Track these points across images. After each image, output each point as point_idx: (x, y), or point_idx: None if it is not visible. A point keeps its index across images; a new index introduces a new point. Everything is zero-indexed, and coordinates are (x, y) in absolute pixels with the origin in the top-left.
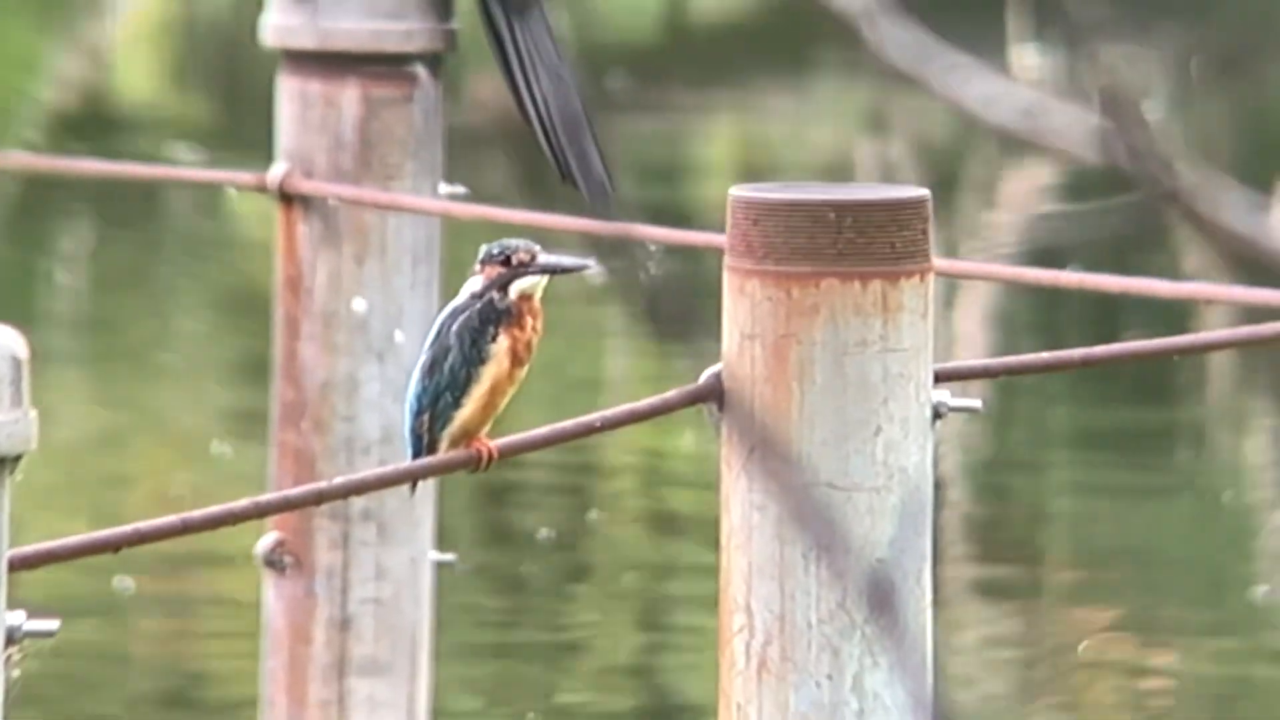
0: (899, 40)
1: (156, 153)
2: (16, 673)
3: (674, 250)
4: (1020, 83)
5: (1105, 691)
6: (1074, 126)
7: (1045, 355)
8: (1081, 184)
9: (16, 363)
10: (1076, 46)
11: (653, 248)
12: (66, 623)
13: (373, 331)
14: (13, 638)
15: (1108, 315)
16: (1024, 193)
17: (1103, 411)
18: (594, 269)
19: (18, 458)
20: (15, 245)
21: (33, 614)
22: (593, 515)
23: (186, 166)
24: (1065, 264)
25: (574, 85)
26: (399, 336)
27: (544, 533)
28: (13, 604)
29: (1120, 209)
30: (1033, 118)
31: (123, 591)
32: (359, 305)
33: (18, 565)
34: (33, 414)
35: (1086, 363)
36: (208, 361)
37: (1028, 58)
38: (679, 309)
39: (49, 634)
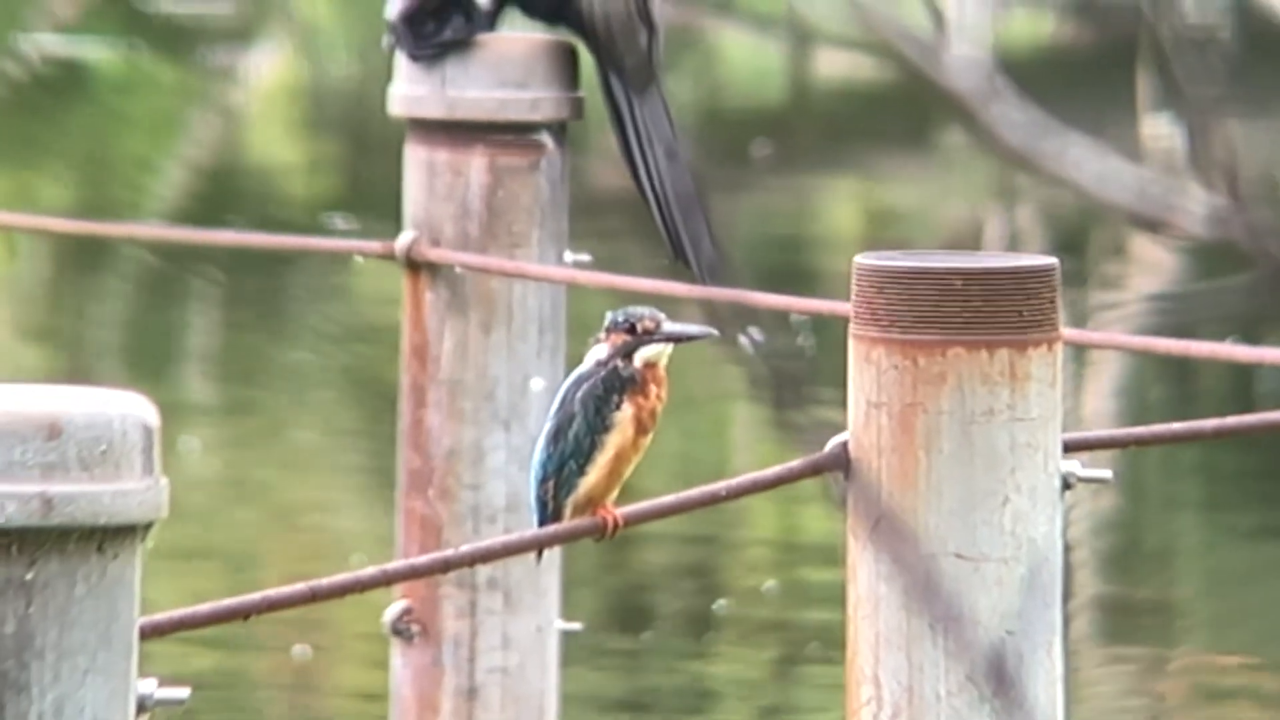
0: (1014, 119)
1: (288, 220)
2: None
3: (777, 320)
4: (1150, 155)
5: None
6: (1191, 204)
7: (1177, 425)
8: (1212, 254)
9: (148, 431)
10: (1194, 122)
11: (793, 319)
12: (196, 689)
13: (499, 400)
14: (144, 706)
15: (1240, 388)
16: (1153, 263)
17: (1236, 485)
18: (717, 336)
19: (149, 525)
20: (149, 313)
21: (163, 683)
22: (717, 584)
23: (338, 236)
24: (1196, 336)
25: (687, 163)
26: (535, 384)
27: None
28: (144, 672)
29: (1251, 282)
30: (1147, 198)
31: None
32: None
33: (149, 633)
34: (164, 482)
35: (1219, 434)
36: (336, 427)
37: (1159, 127)
38: (798, 380)
39: (180, 702)
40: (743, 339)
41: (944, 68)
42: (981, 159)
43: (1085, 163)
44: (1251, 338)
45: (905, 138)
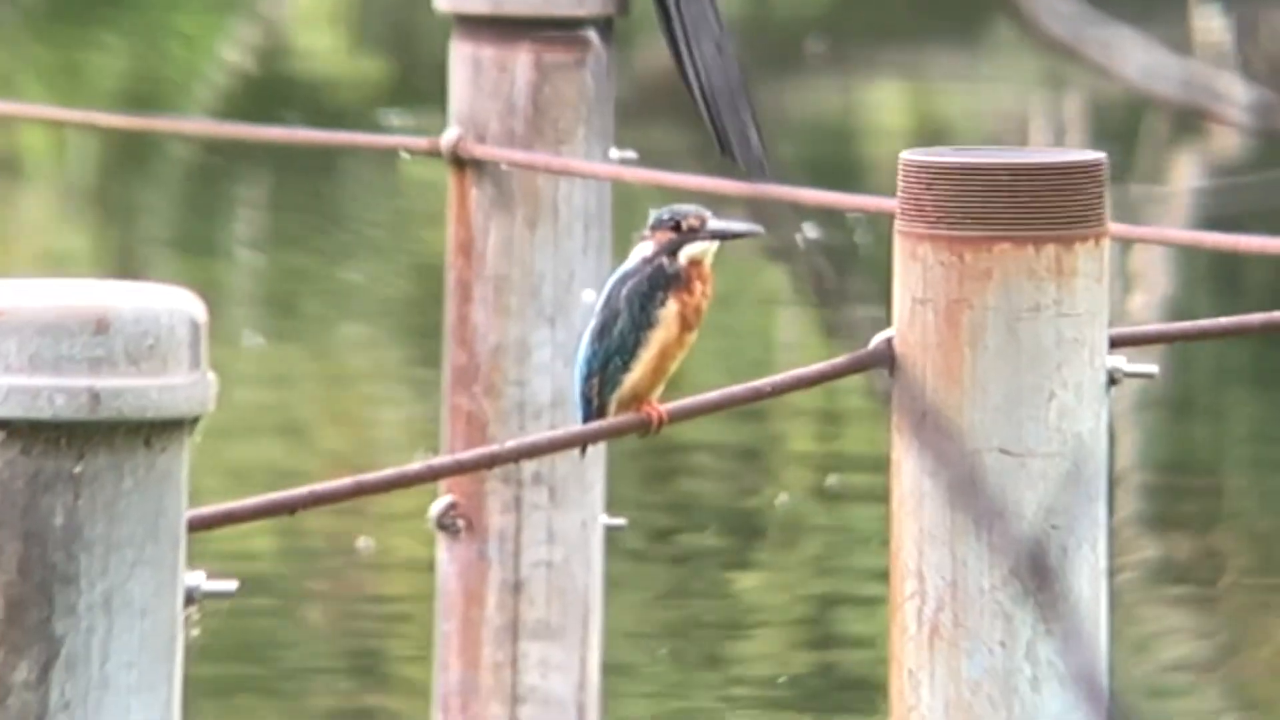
0: (1059, 11)
1: (337, 117)
2: (195, 632)
3: (832, 217)
4: (1199, 48)
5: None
6: (1235, 95)
7: (1224, 320)
8: (1265, 149)
9: (195, 326)
10: (1243, 13)
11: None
12: (243, 582)
13: (544, 296)
14: (192, 597)
15: None
16: (1204, 158)
17: None
18: (763, 234)
19: (196, 420)
20: (194, 211)
21: (212, 575)
22: (763, 479)
23: (390, 132)
24: (1245, 229)
25: (734, 58)
26: (587, 295)
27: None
28: (192, 564)
29: None
30: (1193, 89)
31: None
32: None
33: (197, 526)
34: (211, 376)
35: (1267, 328)
36: (381, 325)
37: (1210, 19)
38: (839, 274)
39: (228, 594)
40: (798, 235)
41: None
42: (1028, 55)
43: (1131, 54)
44: None
45: (952, 33)
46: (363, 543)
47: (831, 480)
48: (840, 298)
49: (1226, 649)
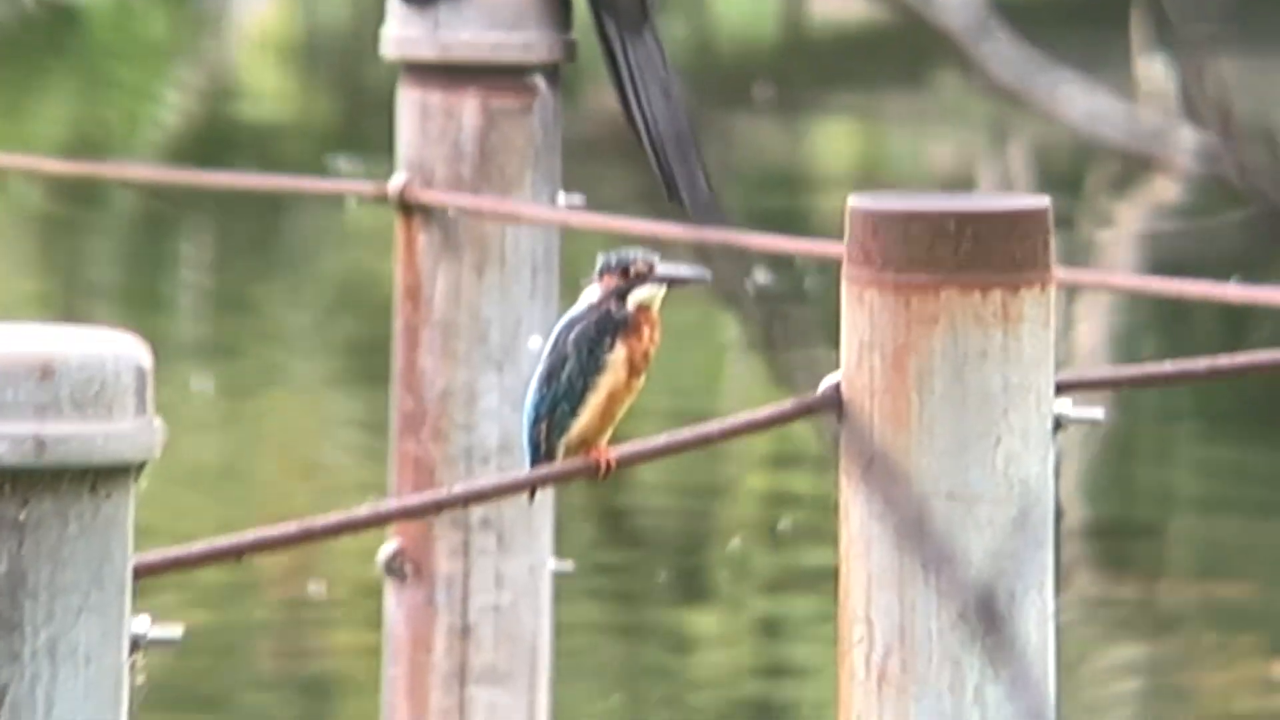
0: (1005, 57)
1: (285, 164)
2: (141, 679)
3: (782, 262)
4: (1143, 95)
5: (1230, 712)
6: (1183, 143)
7: (1170, 366)
8: (1208, 194)
9: (141, 371)
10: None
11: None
12: (189, 625)
13: (492, 342)
14: (138, 644)
15: (1233, 329)
16: (1148, 203)
17: (1228, 422)
18: (711, 279)
19: (142, 465)
20: (140, 257)
21: (156, 621)
22: (710, 524)
23: (346, 178)
24: (1189, 274)
25: (682, 103)
26: (534, 342)
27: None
28: (139, 609)
29: (1246, 222)
30: (1139, 135)
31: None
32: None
33: (143, 572)
34: (157, 422)
35: (1213, 374)
36: (327, 370)
37: (1153, 69)
38: (786, 321)
39: (173, 641)
40: (747, 281)
41: (937, 6)
42: (975, 101)
43: (1077, 100)
44: (1248, 278)
45: (899, 79)
46: (314, 587)
47: (782, 524)
48: (788, 343)
49: (1172, 691)
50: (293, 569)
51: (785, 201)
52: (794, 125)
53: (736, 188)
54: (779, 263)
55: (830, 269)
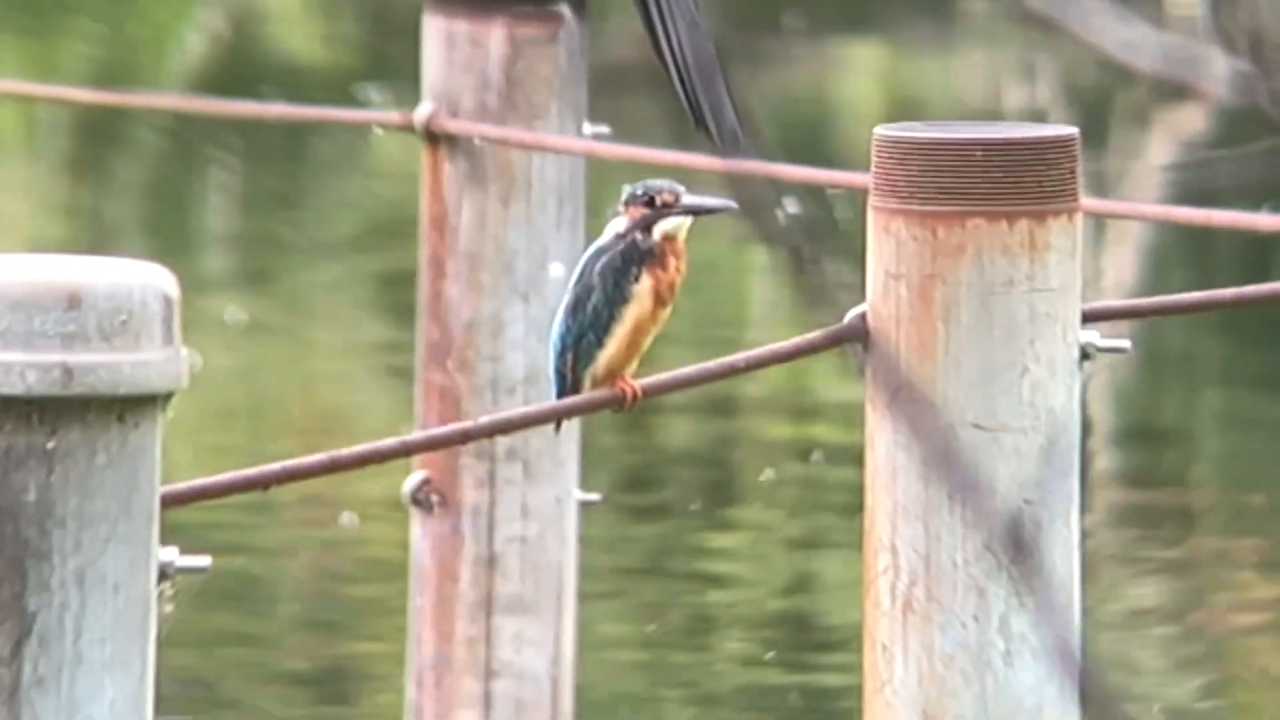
0: None
1: (314, 93)
2: (169, 608)
3: (807, 192)
4: (1173, 23)
5: (1257, 634)
6: (1216, 70)
7: (1195, 295)
8: (1236, 123)
9: (168, 301)
10: None
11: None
12: (218, 556)
13: (518, 272)
14: (165, 573)
15: (1259, 256)
16: (1176, 132)
17: (1254, 353)
18: (737, 209)
19: (169, 395)
20: (166, 186)
21: (185, 550)
22: (737, 454)
23: (375, 108)
24: (1217, 204)
25: (709, 31)
26: (555, 270)
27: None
28: (166, 539)
29: (1274, 150)
30: (1173, 62)
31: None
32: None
33: (170, 502)
34: (184, 352)
35: (1238, 302)
36: (356, 299)
37: None
38: (816, 250)
39: (201, 570)
40: (778, 211)
41: None
42: (1003, 29)
43: (1109, 28)
44: (1275, 206)
45: (927, 7)
46: (346, 518)
47: (812, 453)
48: (815, 272)
49: (1197, 619)
50: (321, 499)
51: (814, 130)
52: (822, 53)
53: (764, 117)
54: (809, 193)
55: (861, 199)
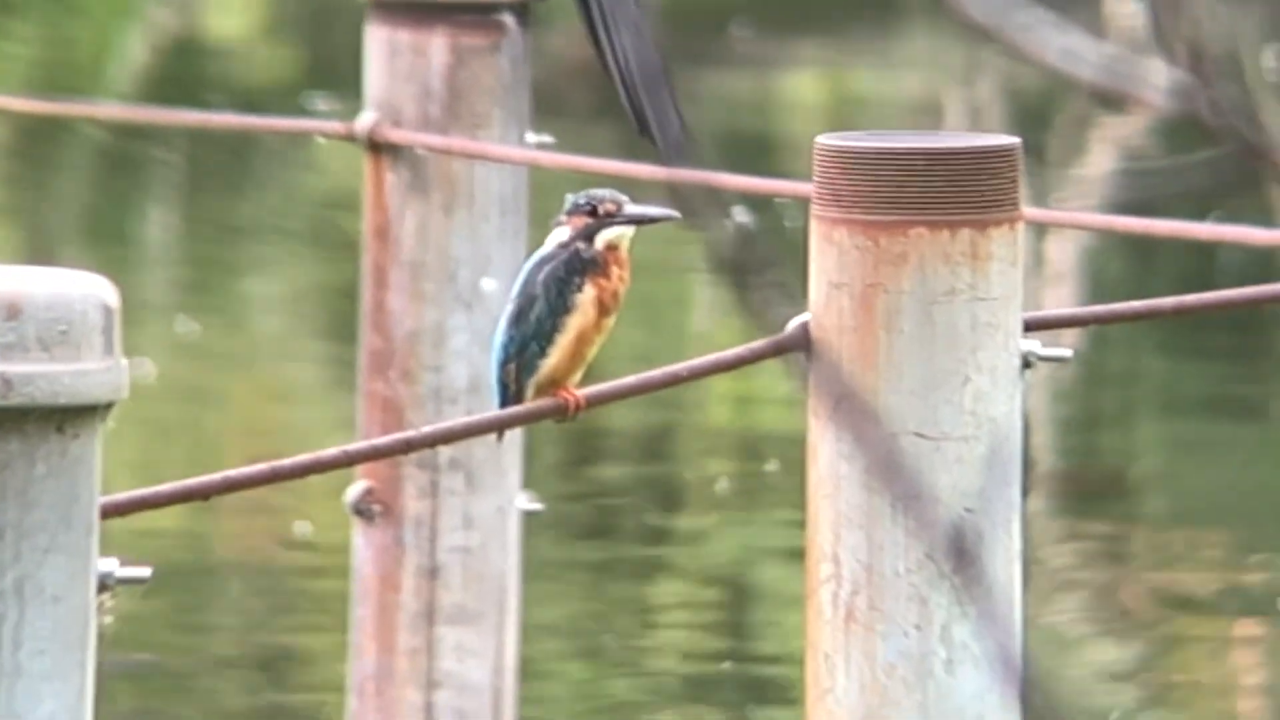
0: None
1: (259, 102)
2: (109, 619)
3: (756, 201)
4: (1113, 33)
5: (1195, 649)
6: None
7: (1136, 304)
8: (1177, 133)
9: (108, 311)
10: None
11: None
12: (157, 566)
13: (460, 281)
14: (105, 584)
15: (1201, 266)
16: (1116, 141)
17: (1195, 362)
18: (680, 219)
19: (109, 406)
20: (107, 195)
21: (125, 562)
22: (679, 464)
23: (321, 117)
24: (1157, 213)
25: (653, 40)
26: (487, 284)
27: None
28: (105, 550)
29: (1214, 160)
30: (1114, 72)
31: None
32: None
33: (110, 513)
34: (124, 362)
35: (1179, 311)
36: (298, 310)
37: (1124, 6)
38: (759, 260)
39: (141, 581)
40: (726, 221)
41: None
42: (943, 39)
43: (1049, 37)
44: (1220, 216)
45: (869, 18)
46: (299, 527)
47: (751, 460)
48: (760, 282)
49: (1137, 629)
50: (261, 509)
51: (757, 139)
52: (763, 65)
53: (708, 128)
54: (758, 202)
55: (781, 209)
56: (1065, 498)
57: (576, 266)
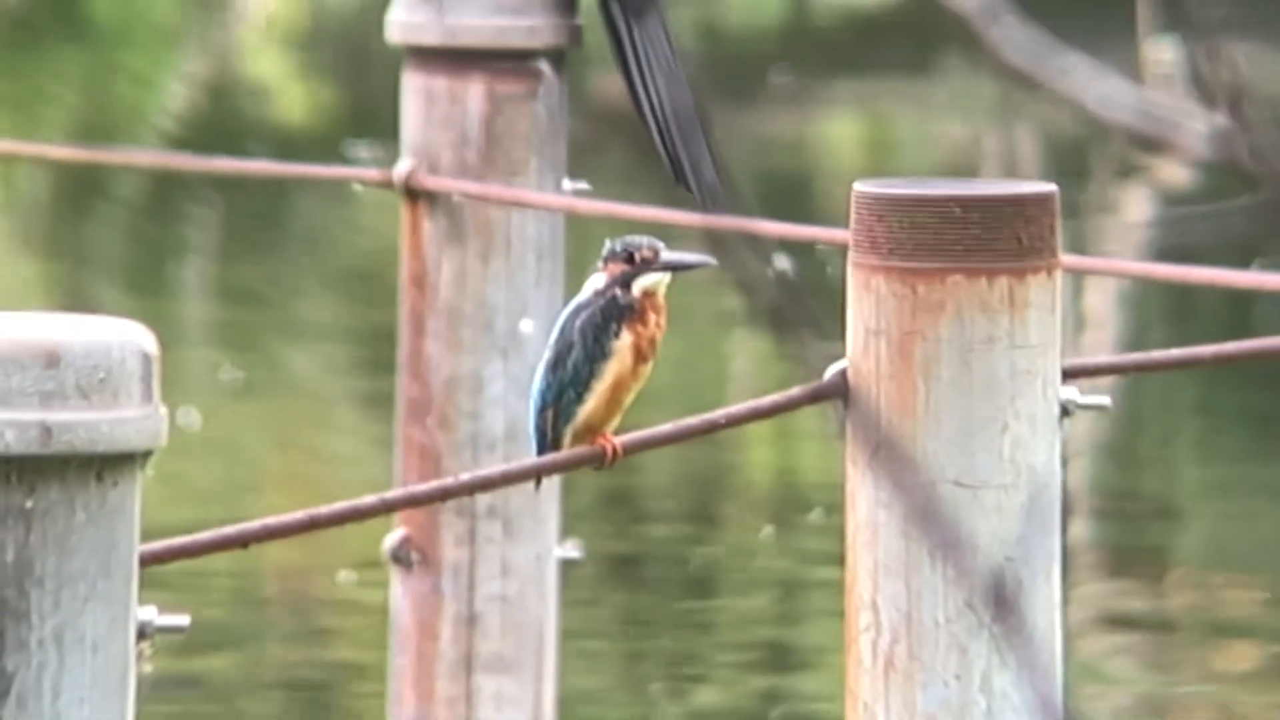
0: (1017, 40)
1: (299, 150)
2: (148, 668)
3: (796, 247)
4: (1150, 78)
5: (1239, 687)
6: (1193, 125)
7: (1176, 352)
8: (1217, 181)
9: (147, 359)
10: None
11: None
12: (197, 612)
13: (498, 329)
14: (144, 633)
15: (1240, 312)
16: (1157, 187)
17: (1234, 410)
18: (716, 265)
19: (148, 453)
20: (146, 243)
21: (164, 610)
22: (719, 511)
23: (363, 164)
24: (1198, 260)
25: (689, 87)
26: (525, 325)
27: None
28: (145, 598)
29: (1256, 207)
30: (1152, 117)
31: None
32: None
33: (149, 561)
34: (163, 410)
35: (1219, 360)
36: (336, 353)
37: (1162, 52)
38: (799, 307)
39: (180, 629)
40: (768, 268)
41: None
42: (981, 85)
43: (1087, 83)
44: (1267, 265)
45: (905, 65)
46: (343, 576)
47: (792, 509)
48: (797, 329)
49: (1177, 678)
50: (301, 556)
51: (796, 185)
52: (801, 111)
53: (744, 173)
54: (799, 249)
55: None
56: (1105, 549)
57: (613, 313)
